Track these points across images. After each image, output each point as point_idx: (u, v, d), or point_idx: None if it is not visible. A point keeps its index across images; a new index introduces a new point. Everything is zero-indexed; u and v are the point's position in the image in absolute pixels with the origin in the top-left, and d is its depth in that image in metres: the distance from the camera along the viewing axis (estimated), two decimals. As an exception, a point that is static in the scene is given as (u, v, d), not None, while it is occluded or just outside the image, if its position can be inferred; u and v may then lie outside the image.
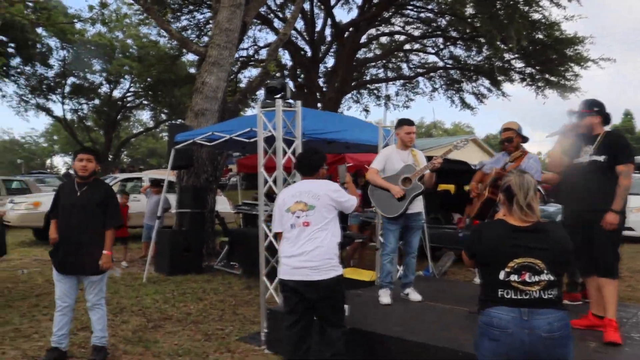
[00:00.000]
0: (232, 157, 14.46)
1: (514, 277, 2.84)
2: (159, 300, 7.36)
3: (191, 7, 22.51)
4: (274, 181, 5.93)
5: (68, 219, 4.84)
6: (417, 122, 7.31)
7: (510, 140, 5.62)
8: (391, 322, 5.12)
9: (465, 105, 26.57)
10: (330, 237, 4.09)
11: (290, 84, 6.55)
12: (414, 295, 6.04)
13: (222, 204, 14.23)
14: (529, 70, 23.13)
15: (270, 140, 6.01)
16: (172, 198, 11.08)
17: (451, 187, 12.75)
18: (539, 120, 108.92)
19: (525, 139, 5.78)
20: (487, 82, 24.95)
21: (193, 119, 10.35)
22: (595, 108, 4.78)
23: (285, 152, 5.89)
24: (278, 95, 5.80)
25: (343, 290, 4.20)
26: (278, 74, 21.63)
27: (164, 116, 41.96)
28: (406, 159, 6.03)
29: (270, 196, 6.36)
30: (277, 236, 4.44)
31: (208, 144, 8.44)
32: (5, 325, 6.11)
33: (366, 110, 31.97)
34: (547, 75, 22.60)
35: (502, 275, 2.85)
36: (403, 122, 6.13)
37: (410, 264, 6.10)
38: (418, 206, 6.10)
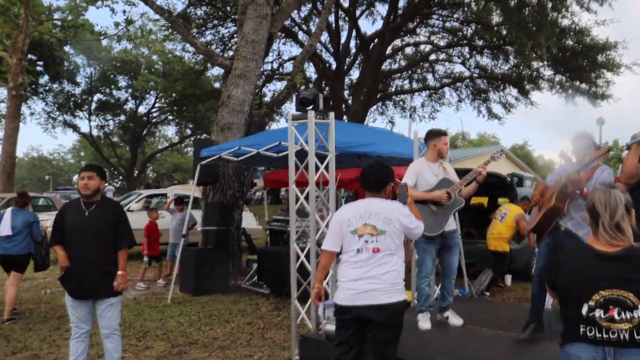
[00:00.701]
0: (257, 171, 14.20)
1: (599, 313, 2.42)
2: (184, 323, 7.05)
3: (215, 22, 22.41)
4: (306, 197, 5.60)
5: (78, 241, 4.52)
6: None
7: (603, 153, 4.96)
8: (434, 350, 4.74)
9: (492, 115, 26.08)
10: (400, 261, 3.82)
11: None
12: (455, 320, 5.64)
13: (249, 220, 13.95)
14: (558, 78, 22.60)
15: (300, 155, 5.69)
16: (198, 214, 10.81)
17: (484, 201, 12.28)
18: (562, 127, 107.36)
19: (599, 148, 5.16)
20: (514, 91, 24.44)
21: (219, 133, 10.08)
22: None
23: (317, 167, 5.55)
24: (310, 107, 5.46)
25: (403, 320, 3.87)
26: (303, 87, 21.45)
27: (188, 131, 42.07)
28: (438, 172, 5.66)
29: (303, 212, 6.01)
30: (325, 254, 3.98)
31: (235, 159, 8.16)
32: (24, 350, 5.87)
33: (392, 122, 31.68)
34: (577, 83, 22.04)
35: (584, 310, 2.45)
36: (441, 133, 5.77)
37: (450, 286, 5.70)
38: (454, 223, 5.75)
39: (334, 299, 3.90)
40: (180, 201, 10.87)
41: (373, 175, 3.97)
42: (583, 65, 20.64)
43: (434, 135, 5.78)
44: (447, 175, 5.61)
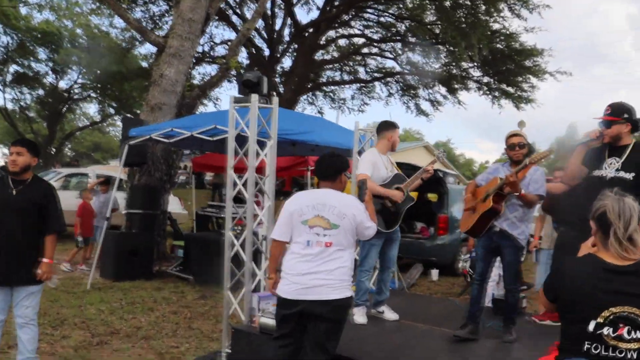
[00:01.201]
0: (183, 155, 13.77)
1: (607, 330, 2.26)
2: (105, 311, 6.67)
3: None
4: (244, 184, 5.36)
5: (0, 221, 4.09)
6: (370, 127, 6.89)
7: (523, 146, 4.90)
8: (370, 346, 4.62)
9: (420, 111, 26.39)
10: (351, 258, 3.70)
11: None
12: (390, 314, 5.57)
13: (174, 205, 13.52)
14: (486, 79, 23.14)
15: (237, 140, 5.45)
16: (120, 197, 10.34)
17: (414, 195, 12.38)
18: (487, 130, 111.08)
19: (532, 150, 5.20)
20: (443, 90, 24.85)
21: (149, 113, 9.64)
22: (625, 115, 4.21)
23: (257, 153, 5.32)
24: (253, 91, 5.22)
25: (347, 316, 3.76)
26: (242, 70, 21.01)
27: (111, 110, 40.51)
28: (387, 165, 5.60)
29: (239, 199, 5.77)
30: (275, 243, 3.83)
31: (166, 140, 7.81)
32: None
33: (321, 113, 31.46)
34: (504, 85, 22.62)
35: (591, 327, 2.28)
36: (395, 125, 5.74)
37: (388, 279, 5.65)
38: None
39: (277, 290, 3.71)
40: (107, 182, 10.38)
41: (328, 164, 3.83)
42: (511, 68, 21.17)
43: (389, 126, 5.71)
44: (393, 168, 5.57)
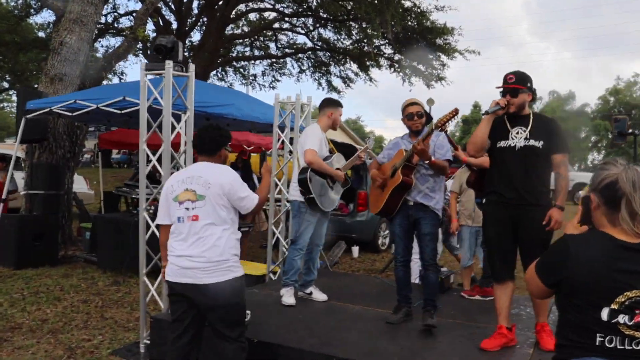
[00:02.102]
0: (88, 131, 12.91)
1: (623, 319, 1.96)
2: (4, 303, 6.02)
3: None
4: (159, 160, 4.91)
5: None
6: (290, 100, 6.61)
7: (421, 115, 4.75)
8: (301, 330, 4.35)
9: (332, 88, 26.29)
10: (228, 234, 3.41)
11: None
12: (319, 295, 5.35)
13: (79, 184, 12.70)
14: (397, 57, 23.27)
15: (148, 113, 4.97)
16: (18, 177, 9.54)
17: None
18: (395, 107, 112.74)
19: (430, 117, 5.07)
20: (354, 67, 24.82)
21: (48, 84, 8.84)
22: (528, 84, 4.12)
23: (173, 127, 4.87)
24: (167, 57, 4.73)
25: (242, 298, 3.48)
26: (140, 46, 20.01)
27: (5, 84, 37.96)
28: (326, 144, 5.40)
29: (153, 177, 5.33)
30: (161, 229, 3.64)
31: (69, 114, 7.15)
32: None
33: (231, 87, 30.90)
34: (415, 63, 22.82)
35: (605, 315, 1.97)
36: (339, 103, 5.55)
37: (316, 257, 5.44)
38: None
39: (165, 274, 3.50)
40: (2, 158, 9.51)
41: (207, 137, 3.62)
42: (422, 46, 21.36)
43: (332, 103, 5.54)
44: (332, 148, 5.39)
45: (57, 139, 9.05)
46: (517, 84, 4.06)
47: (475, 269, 7.00)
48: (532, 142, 4.00)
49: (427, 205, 4.58)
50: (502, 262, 4.10)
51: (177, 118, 5.04)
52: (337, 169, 5.32)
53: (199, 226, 3.34)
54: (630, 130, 10.22)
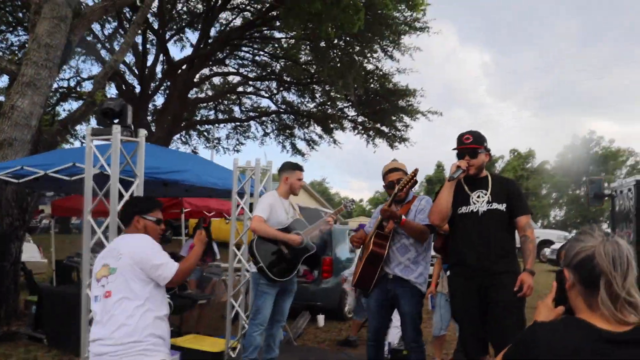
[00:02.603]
0: (45, 197, 12.46)
1: None
2: None
3: (3, 28, 19.89)
4: (106, 230, 4.59)
5: None
6: (250, 165, 6.38)
7: (414, 182, 4.43)
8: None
9: (296, 151, 26.30)
10: (142, 311, 2.99)
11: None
12: (279, 374, 5.00)
13: (31, 253, 12.12)
14: (361, 119, 23.46)
15: (99, 179, 4.70)
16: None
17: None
18: (360, 169, 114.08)
19: (415, 182, 4.77)
20: (318, 129, 24.93)
21: (-4, 150, 8.47)
22: (485, 143, 3.96)
23: (121, 195, 4.59)
24: (116, 121, 4.50)
25: None
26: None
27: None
28: (289, 209, 5.17)
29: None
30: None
31: (15, 180, 6.79)
32: None
33: (195, 152, 30.59)
34: (378, 125, 23.02)
35: None
36: (296, 166, 5.36)
37: (278, 334, 5.10)
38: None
39: None
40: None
41: (122, 207, 3.63)
42: (385, 108, 21.60)
43: (288, 167, 5.33)
44: (297, 214, 5.10)
45: (5, 206, 8.61)
46: (474, 144, 3.90)
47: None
48: (495, 205, 3.82)
49: (407, 279, 4.29)
50: (473, 338, 3.83)
51: (128, 185, 4.78)
52: (297, 234, 5.03)
53: (111, 303, 2.99)
54: (608, 192, 9.98)
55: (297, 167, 5.31)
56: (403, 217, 4.25)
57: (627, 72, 77.21)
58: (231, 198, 6.46)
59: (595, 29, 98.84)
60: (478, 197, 3.87)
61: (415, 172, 4.26)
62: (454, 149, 3.93)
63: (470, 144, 3.87)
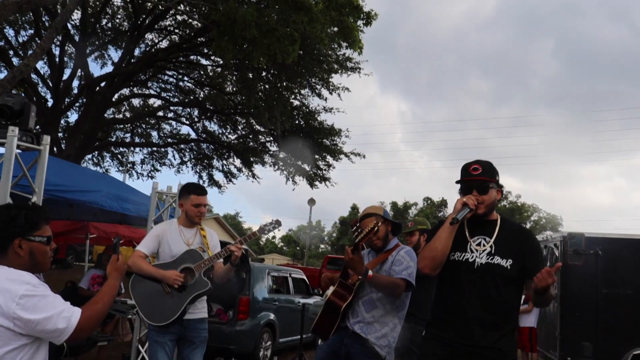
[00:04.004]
0: None
1: None
2: None
3: None
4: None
5: None
6: (170, 191, 5.66)
7: (377, 230, 3.79)
8: None
9: (213, 182, 25.51)
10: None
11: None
12: None
13: None
14: (282, 154, 23.06)
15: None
16: None
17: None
18: (272, 204, 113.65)
19: (397, 227, 4.14)
20: (238, 162, 24.30)
21: None
22: (497, 177, 3.19)
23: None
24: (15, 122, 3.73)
25: None
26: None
27: None
28: (192, 240, 4.39)
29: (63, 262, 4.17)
30: None
31: None
32: None
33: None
34: (300, 162, 22.65)
35: None
36: (191, 190, 4.52)
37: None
38: (202, 310, 4.47)
39: None
40: None
41: None
42: (308, 146, 21.30)
43: (182, 191, 4.57)
44: (204, 246, 4.34)
45: None
46: (485, 175, 3.12)
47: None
48: (497, 259, 3.02)
49: (365, 337, 3.69)
50: None
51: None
52: (187, 268, 4.30)
53: None
54: (591, 251, 8.84)
55: (193, 191, 4.50)
56: (370, 271, 3.64)
57: (528, 134, 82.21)
58: (145, 226, 5.74)
59: (504, 92, 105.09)
60: (478, 244, 3.09)
61: (377, 222, 3.71)
62: (458, 182, 3.20)
63: (480, 176, 3.11)
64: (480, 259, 3.04)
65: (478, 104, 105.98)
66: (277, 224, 4.60)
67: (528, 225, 61.29)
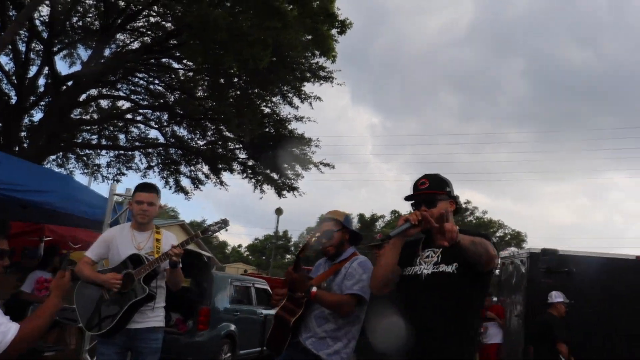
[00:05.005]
0: None
1: None
2: None
3: None
4: None
5: None
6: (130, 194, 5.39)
7: (330, 236, 3.73)
8: None
9: (180, 188, 25.11)
10: None
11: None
12: None
13: None
14: (251, 162, 22.81)
15: None
16: None
17: (187, 283, 10.72)
18: (239, 213, 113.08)
19: (356, 237, 3.97)
20: (206, 168, 23.97)
21: None
22: (447, 188, 3.16)
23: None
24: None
25: None
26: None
27: None
28: (142, 245, 4.16)
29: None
30: None
31: None
32: None
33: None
34: (268, 171, 22.44)
35: None
36: (136, 187, 4.34)
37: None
38: (154, 318, 4.22)
39: None
40: None
41: None
42: (278, 154, 21.10)
43: (134, 190, 4.31)
44: (155, 250, 4.10)
45: None
46: (432, 189, 3.09)
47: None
48: (442, 267, 2.97)
49: (317, 354, 3.51)
50: None
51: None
52: (128, 273, 4.08)
53: None
54: (565, 269, 8.40)
55: (137, 188, 4.32)
56: (314, 288, 3.48)
57: (496, 151, 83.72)
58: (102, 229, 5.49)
59: (473, 109, 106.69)
60: (427, 256, 3.06)
61: (315, 235, 3.62)
62: (407, 198, 3.16)
63: (427, 190, 3.09)
64: (427, 270, 3.02)
65: (447, 120, 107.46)
66: (224, 223, 4.31)
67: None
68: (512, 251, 10.76)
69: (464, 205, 65.43)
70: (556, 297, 7.42)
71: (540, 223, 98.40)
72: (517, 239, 62.52)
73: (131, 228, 4.29)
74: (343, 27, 14.33)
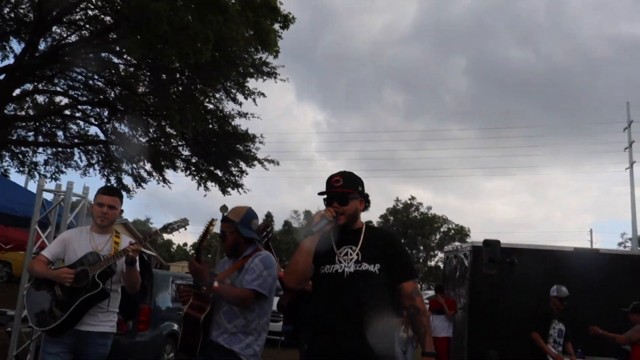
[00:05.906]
0: None
1: None
2: None
3: None
4: None
5: None
6: (60, 189, 5.22)
7: (224, 237, 3.80)
8: None
9: (122, 186, 24.53)
10: None
11: None
12: None
13: None
14: (195, 159, 22.49)
15: None
16: None
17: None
18: (184, 211, 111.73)
19: (251, 239, 3.94)
20: (148, 165, 23.52)
21: None
22: (359, 187, 3.28)
23: None
24: None
25: None
26: None
27: None
28: (100, 247, 4.14)
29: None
30: None
31: None
32: None
33: (6, 176, 27.50)
34: (212, 167, 22.18)
35: None
36: (99, 190, 4.32)
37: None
38: (107, 323, 4.15)
39: None
40: None
41: None
42: (221, 151, 20.85)
43: (96, 192, 4.30)
44: (113, 251, 4.02)
45: None
46: (345, 187, 3.20)
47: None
48: (365, 265, 3.07)
49: (230, 349, 3.49)
50: None
51: None
52: (83, 270, 4.00)
53: None
54: (507, 260, 8.54)
55: (100, 191, 4.31)
56: (215, 283, 3.49)
57: (439, 148, 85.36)
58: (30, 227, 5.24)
59: (417, 106, 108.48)
60: (345, 254, 3.13)
61: (211, 222, 3.71)
62: (321, 194, 3.24)
63: (340, 188, 3.18)
64: (349, 268, 3.10)
65: (392, 117, 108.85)
66: (184, 222, 4.29)
67: (437, 237, 63.17)
68: (455, 245, 10.91)
69: (408, 202, 66.41)
70: (552, 291, 7.70)
71: (484, 218, 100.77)
72: (461, 233, 63.82)
73: (90, 230, 4.25)
74: (286, 21, 14.19)
